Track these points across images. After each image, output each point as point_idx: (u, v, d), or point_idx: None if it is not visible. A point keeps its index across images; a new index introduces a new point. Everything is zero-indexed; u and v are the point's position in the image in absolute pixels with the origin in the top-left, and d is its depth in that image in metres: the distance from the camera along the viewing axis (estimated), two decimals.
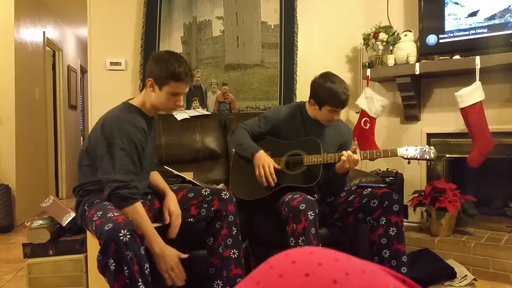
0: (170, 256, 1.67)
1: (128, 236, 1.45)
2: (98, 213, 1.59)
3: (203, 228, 1.94)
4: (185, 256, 1.73)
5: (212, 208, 1.89)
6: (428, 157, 1.89)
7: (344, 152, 1.95)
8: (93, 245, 1.81)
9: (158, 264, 1.67)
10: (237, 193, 2.16)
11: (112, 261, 1.44)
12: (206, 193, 1.93)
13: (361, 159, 1.95)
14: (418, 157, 1.89)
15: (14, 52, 3.98)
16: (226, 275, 1.84)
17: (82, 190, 1.77)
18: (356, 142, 2.93)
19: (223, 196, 1.91)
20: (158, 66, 1.71)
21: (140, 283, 1.47)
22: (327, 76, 2.03)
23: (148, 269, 1.52)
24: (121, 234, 1.45)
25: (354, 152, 1.94)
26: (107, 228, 1.46)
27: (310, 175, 2.04)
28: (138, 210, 1.66)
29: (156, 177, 1.99)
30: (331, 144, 2.17)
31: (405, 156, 1.90)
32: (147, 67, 1.78)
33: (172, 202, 1.86)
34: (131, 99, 1.85)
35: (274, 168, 2.06)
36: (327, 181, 2.14)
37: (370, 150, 1.98)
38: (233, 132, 2.29)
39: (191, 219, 1.91)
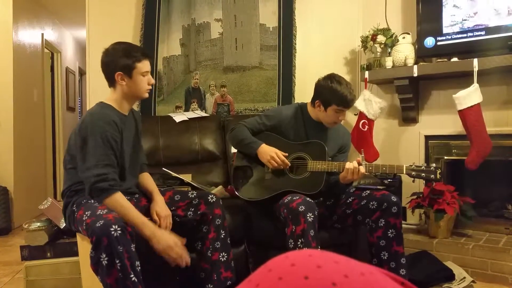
0: (163, 236, 1.67)
1: (119, 231, 1.48)
2: (87, 212, 1.61)
3: (192, 233, 1.93)
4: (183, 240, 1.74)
5: (199, 212, 1.89)
6: (433, 177, 1.88)
7: (350, 163, 1.93)
8: (83, 247, 1.80)
9: (154, 248, 1.65)
10: (240, 193, 2.15)
11: (104, 256, 1.47)
12: (193, 196, 1.93)
13: (366, 172, 1.94)
14: (424, 176, 1.88)
15: (12, 54, 3.98)
16: (217, 279, 1.84)
17: (69, 191, 1.79)
18: (363, 155, 2.92)
19: (210, 199, 1.91)
20: (117, 57, 1.78)
21: (132, 275, 1.49)
22: (333, 77, 2.04)
23: (139, 267, 1.53)
24: (112, 229, 1.47)
25: (360, 163, 1.92)
26: (99, 225, 1.49)
27: (313, 182, 2.02)
28: (119, 199, 1.65)
29: (147, 180, 1.99)
30: (331, 146, 2.16)
31: (411, 175, 1.89)
32: (105, 66, 1.81)
33: (158, 204, 1.84)
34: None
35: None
36: (328, 185, 2.12)
37: (376, 164, 1.95)
38: (232, 129, 2.23)
39: (177, 218, 1.90)
